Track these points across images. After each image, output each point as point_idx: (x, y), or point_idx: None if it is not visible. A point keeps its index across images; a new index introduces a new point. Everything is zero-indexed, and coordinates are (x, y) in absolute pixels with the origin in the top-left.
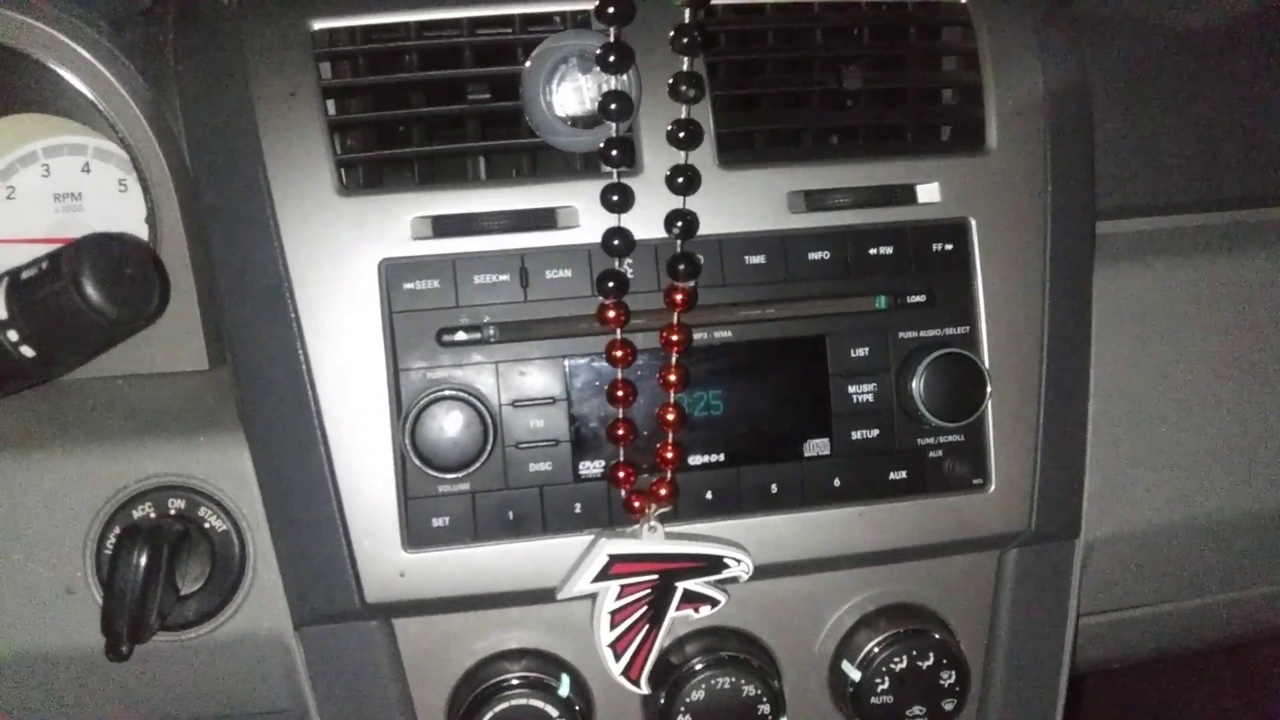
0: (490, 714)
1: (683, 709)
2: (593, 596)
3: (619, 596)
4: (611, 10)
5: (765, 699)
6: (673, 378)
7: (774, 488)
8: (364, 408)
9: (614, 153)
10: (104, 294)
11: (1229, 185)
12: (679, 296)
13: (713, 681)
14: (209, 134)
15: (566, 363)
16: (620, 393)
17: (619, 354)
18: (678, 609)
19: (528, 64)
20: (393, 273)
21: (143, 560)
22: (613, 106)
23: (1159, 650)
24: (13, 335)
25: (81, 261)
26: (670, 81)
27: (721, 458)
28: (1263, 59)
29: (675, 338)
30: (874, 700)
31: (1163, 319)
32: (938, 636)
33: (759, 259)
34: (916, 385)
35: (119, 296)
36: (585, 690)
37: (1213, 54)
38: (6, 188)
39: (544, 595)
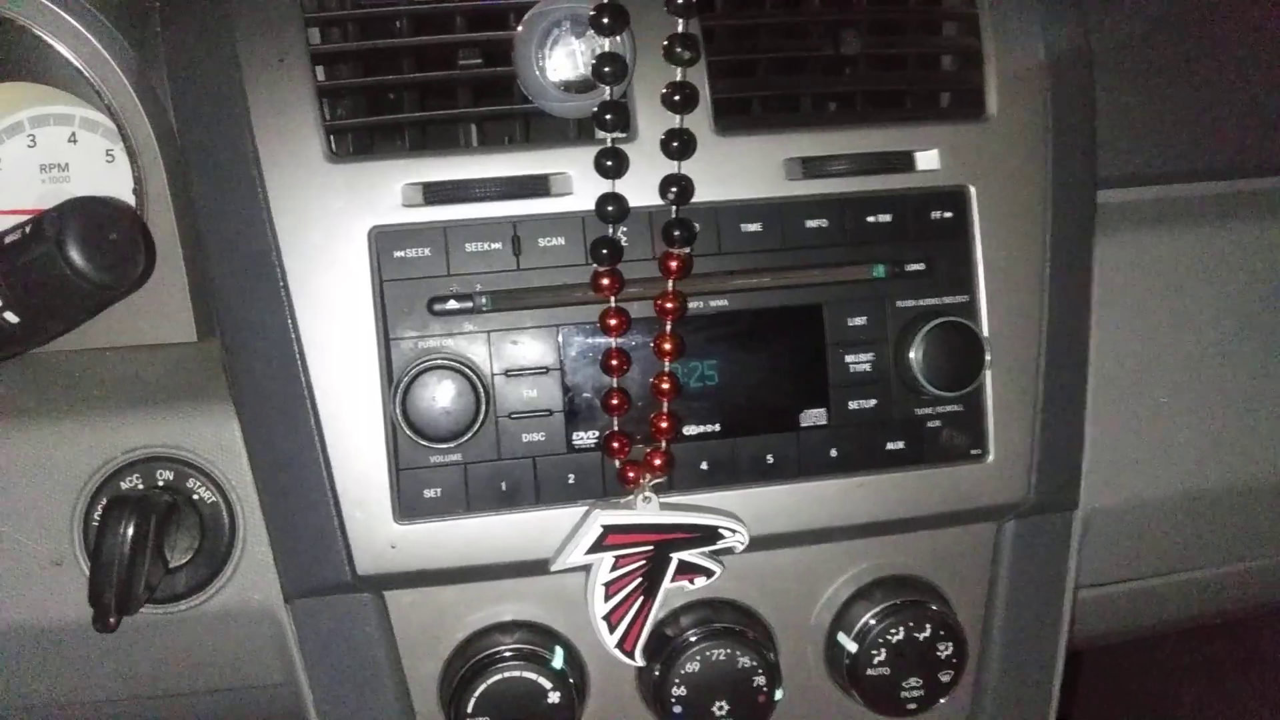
0: (484, 687)
1: (678, 681)
2: (587, 568)
3: (613, 568)
4: None
5: (761, 671)
6: (667, 346)
7: (770, 458)
8: (354, 377)
9: (608, 117)
10: (88, 257)
11: (1231, 154)
12: (674, 263)
13: (708, 653)
14: (196, 101)
15: (560, 332)
16: (614, 362)
17: (613, 322)
18: (673, 580)
19: (519, 28)
20: (383, 241)
21: (130, 531)
22: (606, 69)
23: (1158, 624)
24: None
25: (65, 225)
26: (665, 44)
27: (717, 428)
28: (1264, 26)
29: (670, 305)
30: (870, 672)
31: (1163, 288)
32: (934, 608)
33: (755, 227)
34: (915, 354)
35: (104, 260)
36: (579, 662)
37: (1214, 21)
38: None
39: (537, 567)
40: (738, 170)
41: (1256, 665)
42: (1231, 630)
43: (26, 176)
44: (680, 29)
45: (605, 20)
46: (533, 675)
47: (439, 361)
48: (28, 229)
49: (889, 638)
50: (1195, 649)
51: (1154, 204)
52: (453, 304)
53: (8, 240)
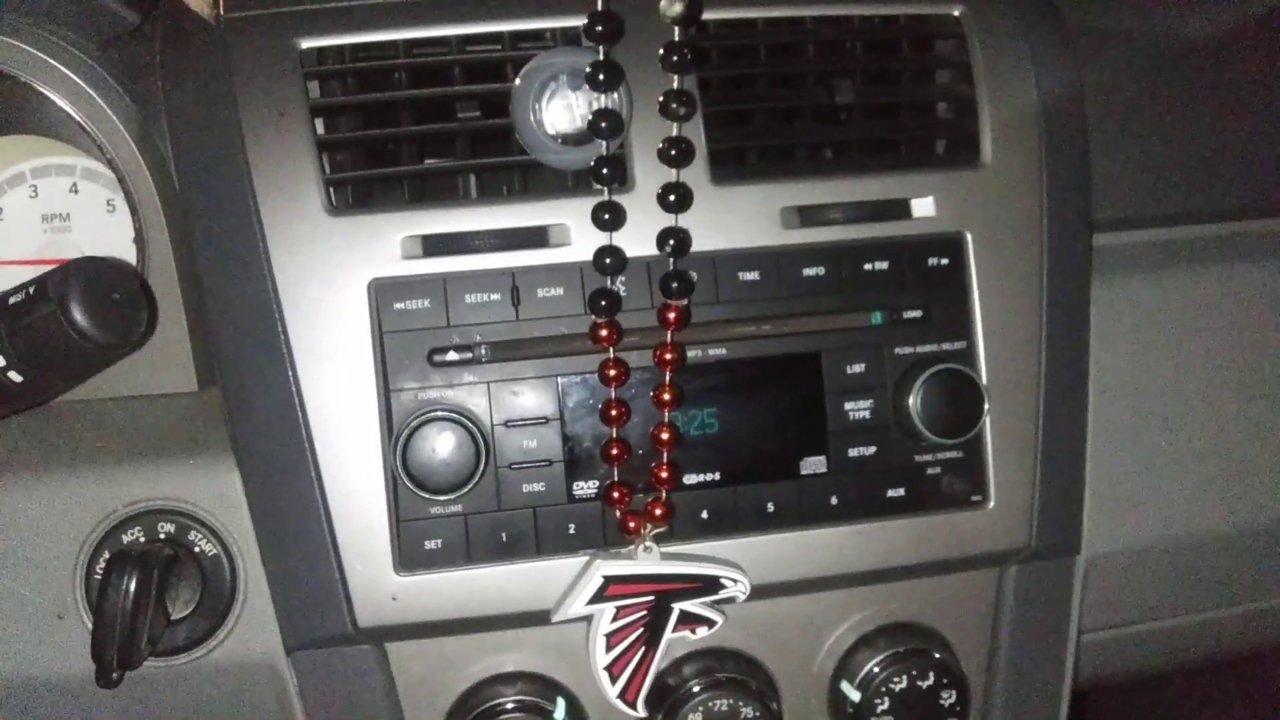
0: None
1: None
2: (588, 618)
3: (615, 618)
4: (600, 28)
5: None
6: (666, 396)
7: (770, 506)
8: (355, 429)
9: (605, 171)
10: (91, 319)
11: (1226, 196)
12: (672, 315)
13: (710, 703)
14: (197, 154)
15: (559, 382)
16: (614, 412)
17: (612, 373)
18: (674, 630)
19: (517, 81)
20: (383, 292)
21: (132, 586)
22: (603, 125)
23: (1162, 666)
24: (0, 361)
25: (69, 286)
26: (660, 99)
27: (717, 476)
28: (1258, 69)
29: (668, 356)
30: None
31: (1161, 332)
32: (938, 655)
33: (753, 275)
34: (913, 402)
35: (107, 321)
36: (581, 714)
37: (1208, 64)
38: None
39: (539, 618)
40: (735, 220)
41: (1260, 700)
42: (1234, 665)
43: (28, 227)
44: (676, 85)
45: (601, 76)
46: None
47: (439, 413)
48: (31, 290)
49: (892, 686)
50: (1198, 684)
51: (1150, 247)
52: (452, 355)
53: (11, 301)
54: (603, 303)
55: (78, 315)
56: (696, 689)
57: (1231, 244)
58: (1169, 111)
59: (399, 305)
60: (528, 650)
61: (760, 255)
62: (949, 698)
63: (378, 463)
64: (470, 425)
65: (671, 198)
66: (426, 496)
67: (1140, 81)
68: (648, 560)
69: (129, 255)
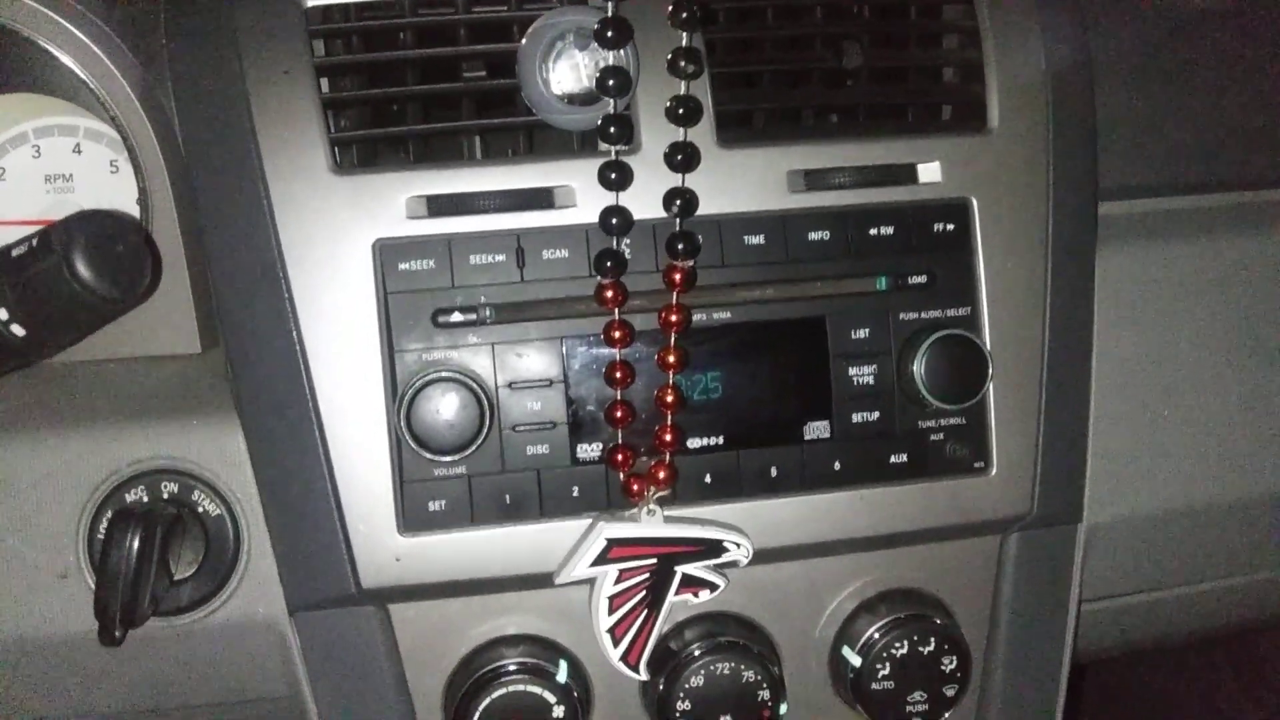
0: (487, 700)
1: (682, 695)
2: (591, 581)
3: (617, 581)
4: None
5: (765, 685)
6: (671, 359)
7: (774, 471)
8: (359, 390)
9: (612, 130)
10: (95, 271)
11: (1233, 166)
12: (677, 276)
13: (712, 667)
14: (201, 113)
15: (564, 344)
16: (618, 374)
17: (617, 334)
18: (677, 594)
19: (524, 41)
20: (387, 253)
21: (135, 544)
22: (610, 82)
23: (1162, 636)
24: (2, 314)
25: (73, 238)
26: (669, 57)
27: (721, 440)
28: (1265, 38)
29: (674, 318)
30: (875, 686)
31: (1166, 301)
32: (939, 622)
33: (758, 239)
34: (918, 367)
35: (111, 273)
36: (583, 676)
37: (1216, 33)
38: None
39: (541, 580)
40: (741, 183)
41: (1256, 674)
42: (1230, 639)
43: (31, 187)
44: (684, 43)
45: (609, 34)
46: (537, 689)
47: (443, 374)
48: (34, 242)
49: (893, 651)
50: (1195, 658)
51: (1156, 216)
52: (457, 316)
53: (14, 253)
54: (608, 263)
55: (81, 268)
56: (698, 652)
57: (1238, 214)
58: (1177, 79)
59: (403, 265)
60: (530, 613)
61: (766, 219)
62: (949, 664)
63: (382, 424)
64: (474, 386)
65: (679, 157)
66: (430, 457)
67: (1148, 49)
68: (651, 523)
69: (133, 216)
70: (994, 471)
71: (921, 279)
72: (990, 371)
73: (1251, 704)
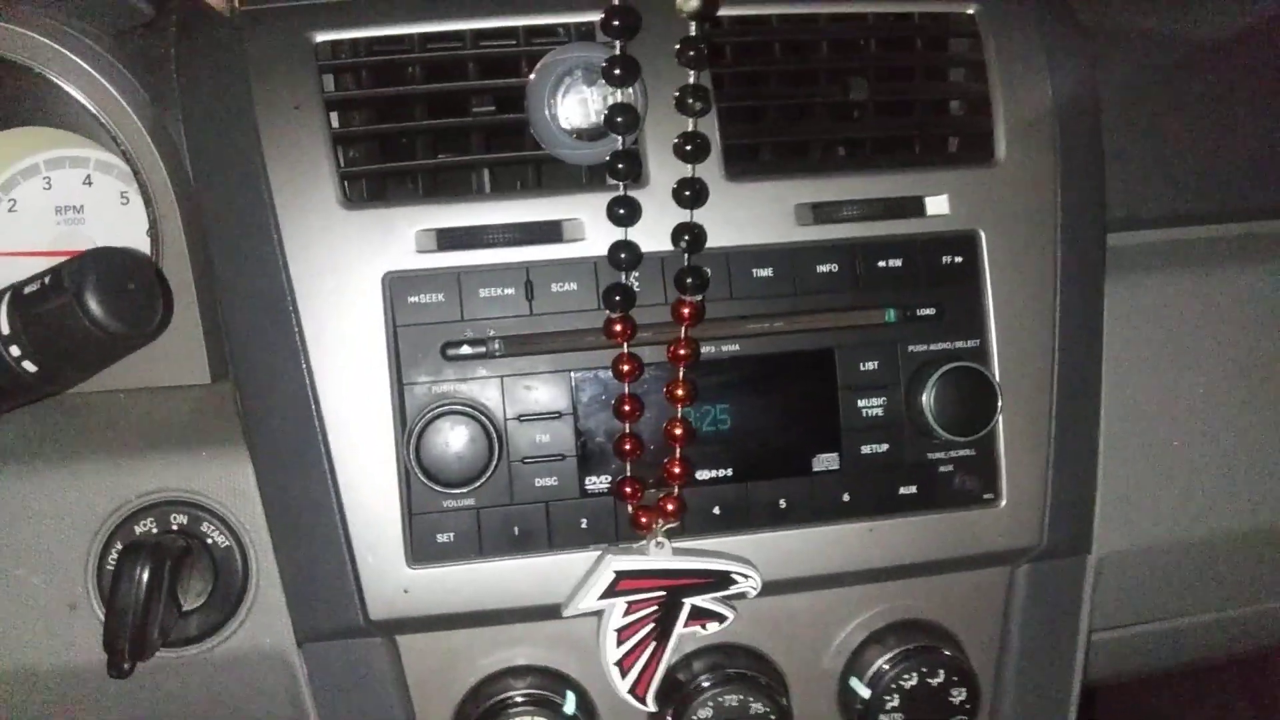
0: None
1: None
2: (599, 613)
3: (625, 613)
4: (617, 23)
5: (773, 716)
6: (680, 392)
7: (782, 503)
8: (368, 422)
9: (620, 166)
10: (107, 309)
11: (1241, 196)
12: (686, 310)
13: (720, 699)
14: (211, 147)
15: (573, 377)
16: (627, 407)
17: (625, 368)
18: (685, 625)
19: (533, 76)
20: (397, 286)
21: (145, 576)
22: (619, 120)
23: (1172, 665)
24: (15, 350)
25: (84, 276)
26: (676, 94)
27: (729, 473)
28: (1272, 67)
29: (682, 352)
30: (883, 717)
31: (1175, 332)
32: (948, 653)
33: (766, 272)
34: (927, 399)
35: (122, 311)
36: (591, 708)
37: (1222, 63)
38: (8, 200)
39: (549, 612)
40: (748, 216)
41: (1265, 698)
42: (1240, 664)
43: (42, 218)
44: (692, 80)
45: (617, 71)
46: None
47: (452, 407)
48: (46, 280)
49: (902, 683)
50: (1209, 682)
51: (1165, 247)
52: (466, 349)
53: (27, 290)
54: (617, 297)
55: (93, 305)
56: (706, 684)
57: (1246, 244)
58: (1183, 111)
59: (413, 299)
60: (538, 644)
61: (774, 252)
62: (959, 695)
63: (391, 456)
64: (483, 419)
65: (687, 193)
66: (439, 490)
67: (1154, 80)
68: (659, 555)
69: (143, 248)
70: (1003, 503)
71: (930, 311)
72: (1000, 403)
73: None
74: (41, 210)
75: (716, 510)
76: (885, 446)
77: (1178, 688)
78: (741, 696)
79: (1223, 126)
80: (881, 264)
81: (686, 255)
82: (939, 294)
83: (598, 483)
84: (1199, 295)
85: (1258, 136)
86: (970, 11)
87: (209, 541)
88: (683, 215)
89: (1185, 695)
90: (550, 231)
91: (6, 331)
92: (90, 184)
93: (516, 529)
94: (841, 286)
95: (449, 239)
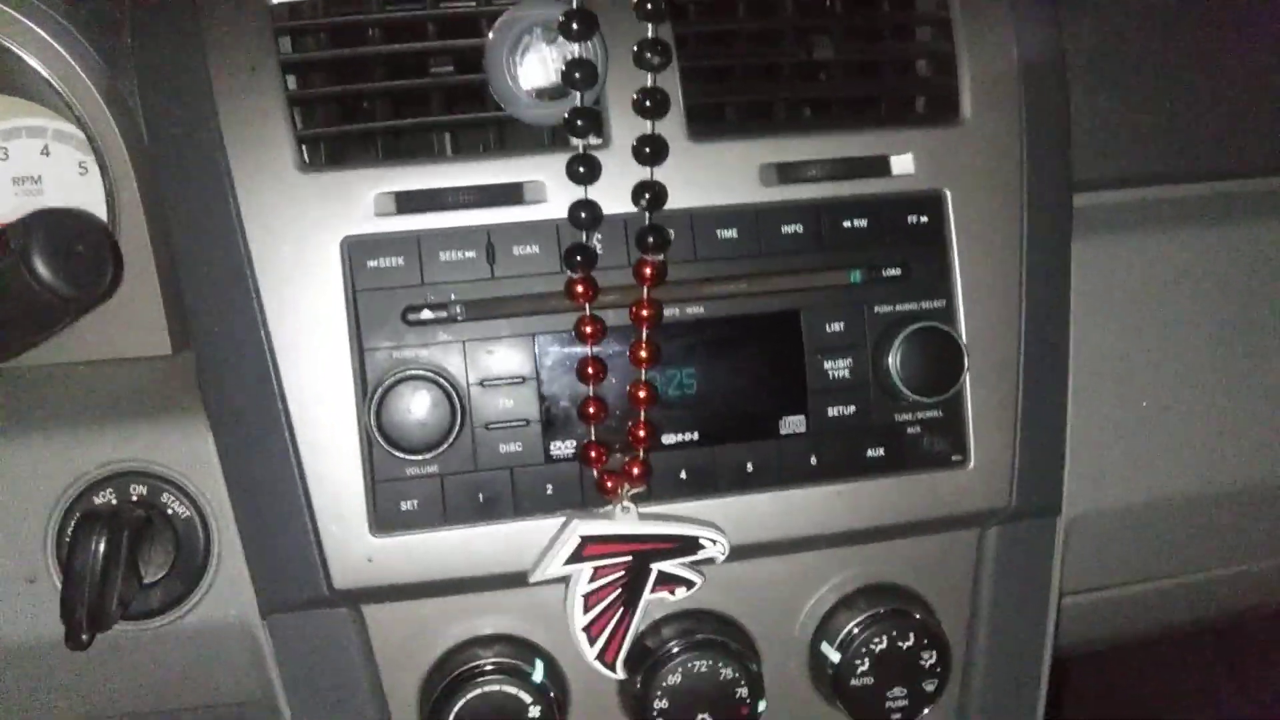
0: (463, 701)
1: (659, 693)
2: (566, 580)
3: (592, 579)
4: None
5: (744, 682)
6: (643, 354)
7: (749, 466)
8: (328, 389)
9: (579, 123)
10: (54, 270)
11: (1208, 156)
12: (648, 270)
13: (690, 665)
14: (166, 111)
15: (536, 341)
16: (590, 369)
17: (588, 330)
18: (653, 591)
19: (491, 35)
20: (356, 250)
21: (101, 546)
22: (577, 75)
23: (1143, 630)
24: None
25: (30, 237)
26: (635, 49)
27: (695, 436)
28: (1239, 27)
29: (645, 312)
30: (854, 682)
31: (1143, 292)
32: (918, 616)
33: (730, 233)
34: (893, 360)
35: (70, 273)
36: (560, 675)
37: (1189, 22)
38: None
39: (516, 579)
40: (712, 176)
41: (1242, 668)
42: (1218, 634)
43: None
44: (650, 34)
45: (575, 26)
46: (513, 689)
47: (414, 372)
48: None
49: (872, 647)
50: (1181, 653)
51: (1132, 207)
52: (427, 314)
53: None
54: (578, 258)
55: (39, 266)
56: (676, 650)
57: (1213, 204)
58: (1150, 69)
59: (372, 263)
60: (506, 612)
61: (738, 213)
62: (929, 659)
63: (352, 423)
64: (445, 384)
65: (647, 149)
66: (402, 457)
67: (1120, 39)
68: (625, 520)
69: (101, 217)
70: (972, 464)
71: (895, 272)
72: (966, 364)
73: (1244, 699)
74: None
75: (683, 475)
76: (852, 408)
77: (1159, 664)
78: (711, 662)
79: (1190, 85)
80: (847, 224)
81: (647, 214)
82: (905, 254)
83: (563, 448)
84: (1166, 255)
85: (1225, 95)
86: None
87: (169, 512)
88: (645, 174)
89: (1166, 672)
90: (511, 193)
91: None
92: (48, 154)
93: (481, 496)
94: (806, 247)
95: (408, 202)
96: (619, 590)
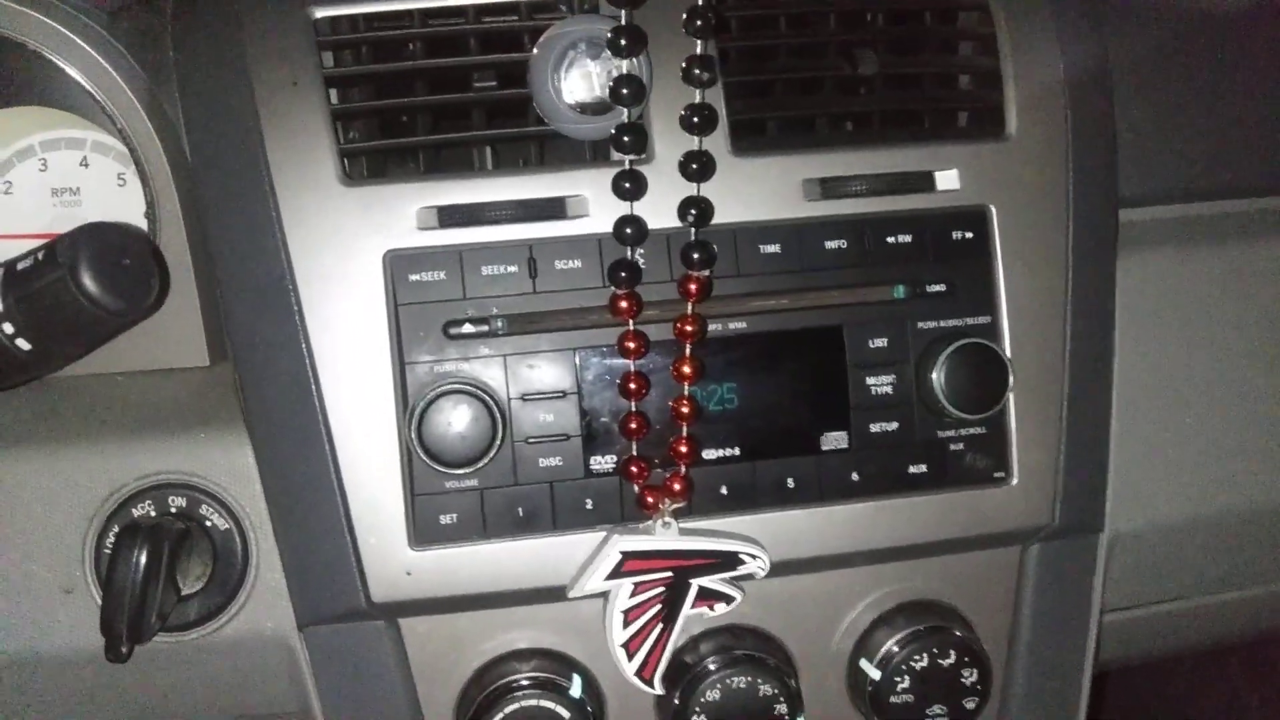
0: (500, 715)
1: (698, 709)
2: (605, 595)
3: (632, 594)
4: None
5: (782, 698)
6: (686, 369)
7: (791, 482)
8: (369, 402)
9: (626, 139)
10: (101, 284)
11: (1254, 172)
12: (693, 286)
13: (728, 681)
14: (209, 124)
15: (577, 355)
16: (633, 385)
17: (631, 345)
18: (692, 607)
19: (535, 50)
20: (398, 264)
21: (142, 559)
22: (624, 91)
23: (1185, 646)
24: (8, 328)
25: (79, 251)
26: (683, 65)
27: (737, 452)
28: None
29: (689, 328)
30: (894, 699)
31: (1187, 308)
32: (958, 634)
33: (774, 248)
34: (937, 376)
35: (117, 287)
36: (597, 691)
37: (1235, 37)
38: (3, 183)
39: (554, 594)
40: (756, 191)
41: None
42: (1250, 648)
43: (38, 200)
44: (699, 51)
45: (623, 42)
46: (550, 704)
47: (455, 386)
48: (40, 255)
49: (913, 664)
50: (1208, 665)
51: (1177, 222)
52: (468, 327)
53: (20, 266)
54: (623, 273)
55: (87, 281)
56: (714, 666)
57: (1258, 220)
58: (1195, 85)
59: (414, 277)
60: (543, 627)
61: (781, 228)
62: (970, 676)
63: (392, 436)
64: (486, 398)
65: (694, 165)
66: (442, 470)
67: (1166, 54)
68: (666, 536)
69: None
70: (1014, 481)
71: (940, 287)
72: (1011, 380)
73: (1271, 712)
74: (38, 192)
75: (724, 490)
76: (895, 425)
77: (1186, 677)
78: (750, 678)
79: (1236, 100)
80: (891, 239)
81: (694, 229)
82: (949, 270)
83: (603, 463)
84: (1212, 271)
85: (1271, 110)
86: None
87: (208, 524)
88: (688, 190)
89: (1193, 684)
90: (553, 208)
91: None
92: (87, 165)
93: (520, 510)
94: (850, 262)
95: (450, 216)
96: (658, 606)
